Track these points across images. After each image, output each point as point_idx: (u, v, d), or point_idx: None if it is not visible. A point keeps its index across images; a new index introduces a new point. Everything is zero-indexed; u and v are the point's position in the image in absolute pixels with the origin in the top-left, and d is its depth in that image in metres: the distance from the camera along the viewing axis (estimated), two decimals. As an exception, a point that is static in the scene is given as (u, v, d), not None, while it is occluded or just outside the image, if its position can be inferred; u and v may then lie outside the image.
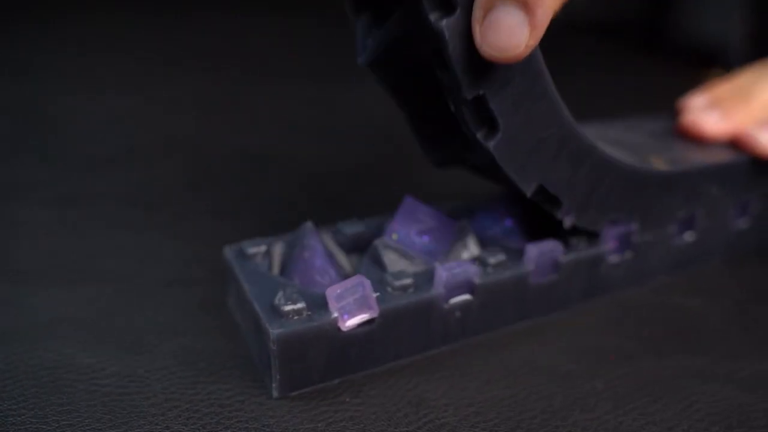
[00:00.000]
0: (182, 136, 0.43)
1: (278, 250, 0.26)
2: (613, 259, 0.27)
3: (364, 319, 0.22)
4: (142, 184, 0.36)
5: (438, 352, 0.25)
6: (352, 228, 0.26)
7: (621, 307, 0.28)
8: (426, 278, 0.24)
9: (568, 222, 0.25)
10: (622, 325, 0.27)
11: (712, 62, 0.75)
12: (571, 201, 0.24)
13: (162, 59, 0.59)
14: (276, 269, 0.25)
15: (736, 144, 0.30)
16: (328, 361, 0.22)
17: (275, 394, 0.22)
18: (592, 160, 0.24)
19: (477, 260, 0.25)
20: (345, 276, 0.25)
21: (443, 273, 0.23)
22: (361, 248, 0.26)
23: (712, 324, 0.27)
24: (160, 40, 0.65)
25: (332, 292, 0.22)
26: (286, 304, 0.21)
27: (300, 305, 0.21)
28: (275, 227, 0.28)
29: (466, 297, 0.24)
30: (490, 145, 0.21)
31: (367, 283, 0.22)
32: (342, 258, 0.26)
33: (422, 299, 0.23)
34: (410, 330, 0.23)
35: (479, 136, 0.21)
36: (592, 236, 0.27)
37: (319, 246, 0.25)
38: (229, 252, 0.25)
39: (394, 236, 0.25)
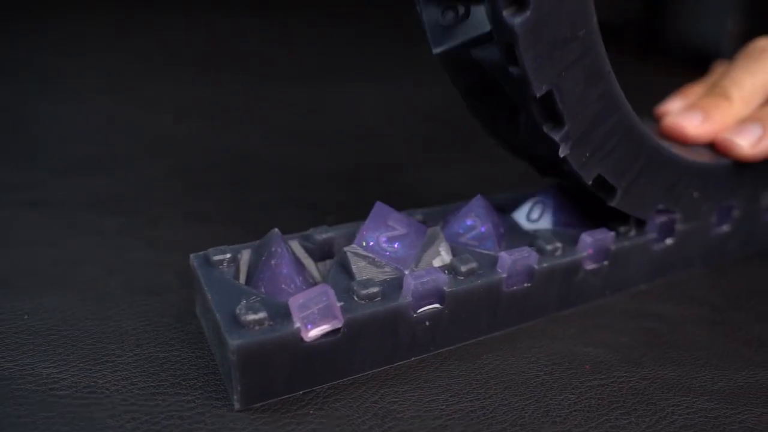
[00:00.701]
0: (165, 139, 0.43)
1: (246, 257, 0.25)
2: (590, 266, 0.27)
3: (329, 329, 0.22)
4: (119, 188, 0.36)
5: (407, 362, 0.24)
6: (322, 234, 0.26)
7: (598, 316, 0.27)
8: (394, 287, 0.23)
9: (614, 204, 0.26)
10: (598, 334, 0.26)
11: (708, 64, 0.75)
12: (626, 189, 0.25)
13: (146, 61, 0.59)
14: (243, 277, 0.25)
15: (715, 148, 0.29)
16: (291, 372, 0.22)
17: (237, 405, 0.21)
18: (647, 151, 0.26)
19: (448, 268, 0.24)
20: (313, 284, 0.25)
21: (411, 281, 0.23)
22: (333, 255, 0.26)
23: (690, 333, 0.27)
24: (144, 42, 0.65)
25: (295, 302, 0.21)
26: (247, 314, 0.21)
27: (261, 315, 0.21)
28: (253, 233, 0.27)
29: (435, 306, 0.24)
30: (557, 137, 0.23)
31: (331, 292, 0.21)
32: (311, 266, 0.26)
33: (389, 308, 0.23)
34: (377, 340, 0.23)
35: (546, 129, 0.23)
36: (570, 244, 0.27)
37: (286, 253, 0.24)
38: (194, 259, 0.25)
39: (364, 243, 0.25)
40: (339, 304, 0.22)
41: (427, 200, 0.31)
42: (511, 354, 0.25)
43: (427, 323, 0.24)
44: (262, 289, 0.24)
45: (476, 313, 0.25)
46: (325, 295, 0.21)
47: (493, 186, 0.33)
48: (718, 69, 0.35)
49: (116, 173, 0.38)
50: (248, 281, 0.25)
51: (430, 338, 0.24)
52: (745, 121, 0.30)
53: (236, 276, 0.25)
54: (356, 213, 0.29)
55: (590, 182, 0.25)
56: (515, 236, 0.27)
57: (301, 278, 0.24)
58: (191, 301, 0.26)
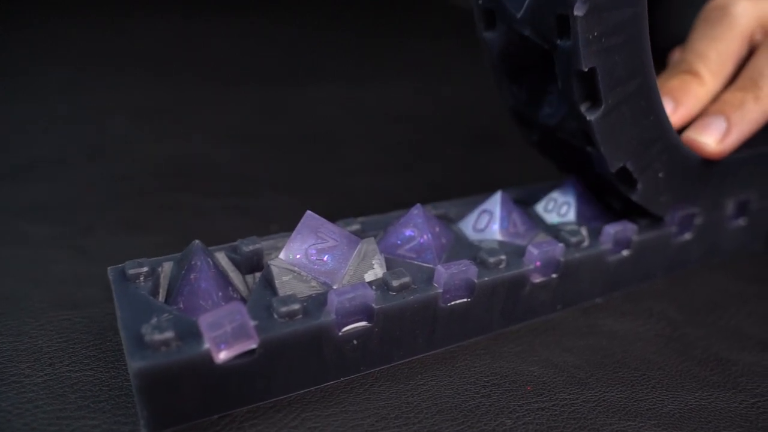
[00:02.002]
0: (110, 143, 0.41)
1: (167, 270, 0.24)
2: (538, 279, 0.26)
3: (243, 349, 0.20)
4: (54, 194, 0.35)
5: (334, 384, 0.23)
6: (250, 246, 0.25)
7: (546, 332, 0.26)
8: (318, 303, 0.22)
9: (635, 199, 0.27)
10: (544, 352, 0.25)
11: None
12: (648, 184, 0.26)
13: (104, 63, 0.58)
14: (163, 292, 0.23)
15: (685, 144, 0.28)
16: (203, 395, 0.20)
17: (144, 431, 0.20)
18: (674, 151, 0.27)
19: (379, 283, 0.23)
20: (239, 300, 0.23)
21: (335, 298, 0.21)
22: (263, 268, 0.25)
23: (642, 351, 0.25)
24: (105, 44, 0.63)
25: (205, 321, 0.20)
26: (153, 334, 0.20)
27: (168, 335, 0.20)
28: (189, 243, 0.26)
29: (363, 324, 0.22)
30: (592, 118, 0.23)
31: (244, 309, 0.20)
32: (238, 279, 0.24)
33: (311, 327, 0.21)
34: (299, 361, 0.22)
35: (583, 108, 0.23)
36: (517, 256, 0.25)
37: (206, 267, 0.23)
38: (111, 273, 0.23)
39: (290, 256, 0.23)
40: (253, 323, 0.20)
41: (377, 208, 0.30)
42: (449, 374, 0.23)
43: (355, 342, 0.22)
44: (181, 305, 0.22)
45: (411, 331, 0.23)
46: (238, 313, 0.20)
47: (448, 193, 0.32)
48: (677, 51, 0.33)
49: (53, 179, 0.36)
50: (168, 296, 0.23)
51: (359, 358, 0.23)
52: (707, 115, 0.28)
53: (156, 291, 0.23)
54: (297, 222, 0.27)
55: (614, 170, 0.25)
56: (459, 248, 0.26)
57: (221, 293, 0.23)
58: (115, 316, 0.25)
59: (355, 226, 0.26)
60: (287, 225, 0.27)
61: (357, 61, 0.64)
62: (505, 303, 0.25)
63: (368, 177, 0.39)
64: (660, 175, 0.26)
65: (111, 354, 0.24)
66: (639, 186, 0.26)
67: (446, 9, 0.92)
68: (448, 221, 0.28)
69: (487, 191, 0.29)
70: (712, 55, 0.29)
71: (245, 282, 0.25)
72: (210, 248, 0.25)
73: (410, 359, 0.24)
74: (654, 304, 0.28)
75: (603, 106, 0.23)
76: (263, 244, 0.25)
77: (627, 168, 0.25)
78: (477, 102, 0.54)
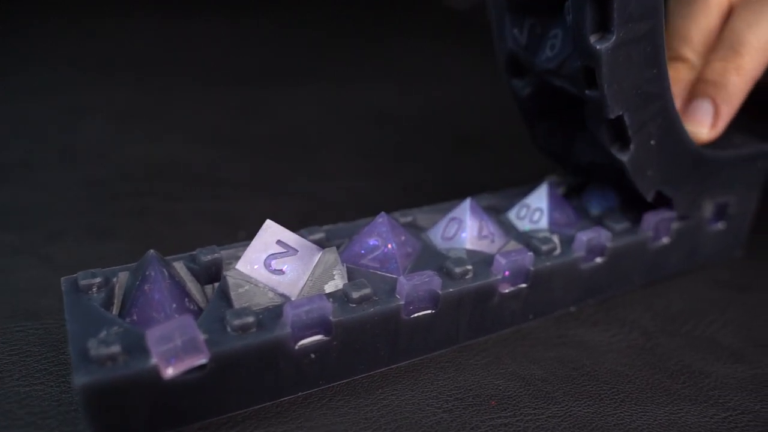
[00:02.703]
0: (83, 146, 0.41)
1: (122, 281, 0.23)
2: (507, 289, 0.25)
3: (193, 364, 0.20)
4: (21, 200, 0.34)
5: (291, 398, 0.22)
6: (209, 255, 0.24)
7: (515, 343, 0.25)
8: (274, 316, 0.21)
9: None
10: (511, 365, 0.24)
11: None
12: (639, 148, 0.26)
13: (84, 65, 0.57)
14: (117, 304, 0.23)
15: None
16: (152, 412, 0.20)
17: (90, 449, 0.19)
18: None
19: (338, 294, 0.22)
20: (196, 312, 0.23)
21: (290, 311, 0.21)
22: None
23: (613, 362, 0.25)
24: (85, 45, 0.62)
25: (153, 335, 0.19)
26: (99, 348, 0.19)
27: (114, 349, 0.19)
28: (157, 249, 0.25)
29: (321, 337, 0.22)
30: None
31: (193, 323, 0.19)
32: (197, 290, 0.24)
33: (265, 341, 0.21)
34: (253, 375, 0.21)
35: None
36: (485, 265, 0.25)
37: (160, 277, 0.22)
38: (64, 283, 0.23)
39: (248, 266, 0.23)
40: (204, 337, 0.20)
41: (351, 214, 0.29)
42: (411, 388, 0.23)
43: (313, 356, 0.22)
44: (134, 317, 0.22)
45: (372, 344, 0.23)
46: (187, 326, 0.20)
47: (425, 198, 0.31)
48: None
49: (21, 183, 0.36)
50: (122, 308, 0.23)
51: (317, 372, 0.22)
52: (693, 99, 0.28)
53: (110, 302, 0.23)
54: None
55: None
56: (426, 257, 0.25)
57: (175, 305, 0.22)
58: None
59: (320, 235, 0.26)
60: (257, 231, 0.26)
61: (342, 61, 0.63)
62: (472, 314, 0.25)
63: (344, 181, 0.38)
64: (652, 142, 0.26)
65: (64, 367, 0.23)
66: (631, 147, 0.25)
67: (438, 10, 0.91)
68: (418, 229, 0.28)
69: (464, 196, 0.28)
70: (694, 36, 0.28)
71: (204, 293, 0.24)
72: (168, 257, 0.24)
73: (372, 373, 0.24)
74: (628, 313, 0.28)
75: (614, 38, 0.22)
76: (223, 253, 0.24)
77: (624, 120, 0.24)
78: (460, 103, 0.53)
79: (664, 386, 0.24)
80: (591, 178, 0.31)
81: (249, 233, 0.25)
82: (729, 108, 0.28)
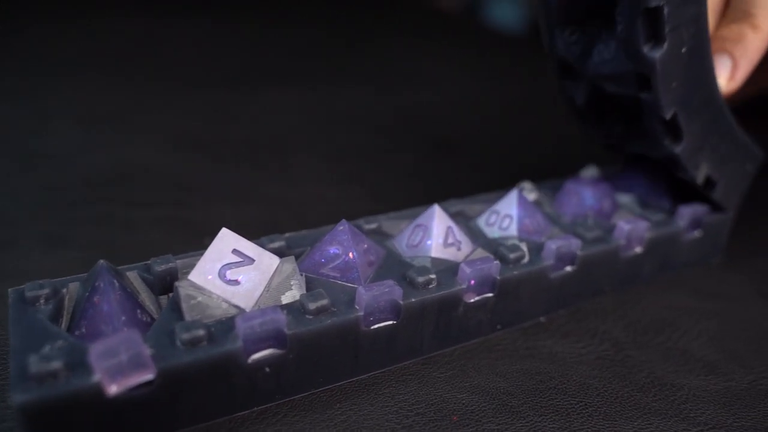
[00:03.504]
0: (47, 151, 0.40)
1: (72, 292, 0.22)
2: (473, 299, 0.24)
3: (138, 381, 0.19)
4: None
5: (245, 414, 0.21)
6: (162, 265, 0.23)
7: (482, 355, 0.25)
8: (226, 329, 0.21)
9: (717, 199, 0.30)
10: (476, 377, 0.24)
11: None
12: (690, 137, 0.28)
13: (51, 66, 0.56)
14: (67, 316, 0.22)
15: None
16: (96, 430, 0.19)
17: (31, 471, 0.19)
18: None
19: (294, 306, 0.22)
20: (150, 323, 0.22)
21: (241, 324, 0.20)
22: None
23: (582, 375, 0.24)
24: (53, 46, 0.62)
25: (95, 350, 0.19)
26: (39, 364, 0.18)
27: (55, 365, 0.18)
28: (115, 258, 0.25)
29: (276, 350, 0.21)
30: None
31: (138, 337, 0.19)
32: (151, 301, 0.23)
33: (215, 355, 0.20)
34: (205, 391, 0.20)
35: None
36: (451, 274, 0.25)
37: (109, 288, 0.21)
38: (11, 294, 0.22)
39: (202, 276, 0.22)
40: (150, 351, 0.19)
41: (319, 220, 0.29)
42: (370, 402, 0.22)
43: (268, 369, 0.21)
44: (83, 331, 0.21)
45: (331, 357, 0.22)
46: (131, 341, 0.19)
47: (396, 204, 0.30)
48: None
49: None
50: (72, 321, 0.22)
51: (273, 386, 0.22)
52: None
53: (58, 314, 0.22)
54: (239, 234, 0.26)
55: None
56: (389, 266, 0.25)
57: (125, 317, 0.21)
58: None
59: (280, 243, 0.25)
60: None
61: (322, 64, 0.62)
62: (436, 325, 0.24)
63: (314, 187, 0.38)
64: (702, 132, 0.28)
65: (5, 384, 0.22)
66: (684, 139, 0.27)
67: (423, 12, 0.91)
68: (383, 236, 0.27)
69: (436, 202, 0.28)
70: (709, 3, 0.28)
71: (159, 304, 0.23)
72: (121, 267, 0.24)
73: (331, 386, 0.23)
74: (600, 323, 0.27)
75: (666, 44, 0.24)
76: (178, 262, 0.24)
77: (677, 117, 0.26)
78: (440, 107, 0.53)
79: (633, 400, 0.23)
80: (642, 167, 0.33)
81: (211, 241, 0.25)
82: (746, 62, 0.28)
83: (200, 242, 0.31)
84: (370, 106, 0.52)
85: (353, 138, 0.46)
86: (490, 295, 0.25)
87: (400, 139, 0.46)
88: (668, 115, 0.26)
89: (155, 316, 0.23)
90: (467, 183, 0.39)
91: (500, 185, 0.32)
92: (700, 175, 0.29)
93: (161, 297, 0.24)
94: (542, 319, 0.27)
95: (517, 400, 0.23)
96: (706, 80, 0.27)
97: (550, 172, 0.34)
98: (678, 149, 0.27)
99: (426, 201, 0.29)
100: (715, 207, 0.32)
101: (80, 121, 0.44)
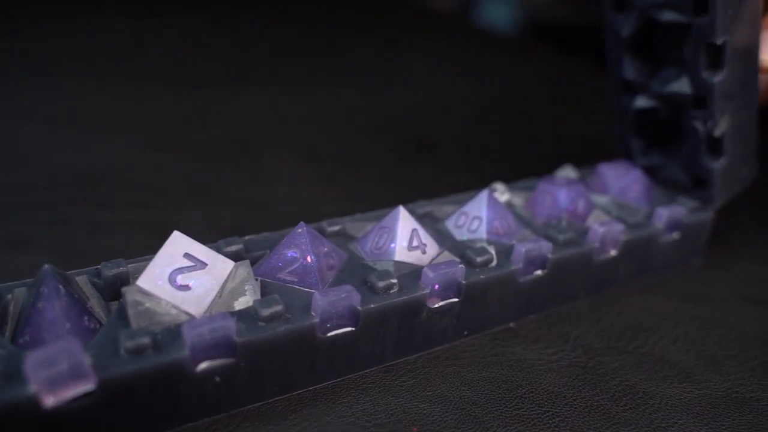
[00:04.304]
0: (14, 153, 0.39)
1: (17, 298, 0.22)
2: (437, 304, 0.24)
3: (78, 392, 0.18)
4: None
5: (194, 425, 0.21)
6: (113, 269, 0.22)
7: (447, 362, 0.24)
8: (174, 337, 0.20)
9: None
10: (440, 386, 0.23)
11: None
12: (725, 174, 0.30)
13: (28, 66, 0.55)
14: (12, 323, 0.21)
15: None
16: (34, 444, 0.18)
17: (-37, 487, 0.18)
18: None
19: (247, 312, 0.21)
20: (98, 331, 0.21)
21: (188, 332, 0.19)
22: None
23: (551, 382, 0.23)
24: (31, 45, 0.61)
25: (31, 360, 0.18)
26: (-29, 374, 0.17)
27: (-12, 375, 0.17)
28: (74, 263, 0.24)
29: (226, 359, 0.20)
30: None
31: (77, 346, 0.18)
32: (101, 307, 0.22)
33: (161, 364, 0.19)
34: (150, 402, 0.20)
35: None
36: (414, 279, 0.24)
37: (54, 294, 0.21)
38: (-45, 301, 0.21)
39: (151, 281, 0.21)
40: (90, 360, 0.18)
41: (290, 223, 0.28)
42: (327, 412, 0.21)
43: (218, 379, 0.20)
44: (27, 338, 0.20)
45: (286, 365, 0.21)
46: (71, 349, 0.18)
47: (369, 205, 0.29)
48: None
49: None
50: (16, 328, 0.21)
51: (224, 396, 0.21)
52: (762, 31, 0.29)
53: (3, 321, 0.21)
54: (207, 236, 0.25)
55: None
56: (350, 270, 0.24)
57: (70, 325, 0.21)
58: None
59: (237, 246, 0.24)
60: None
61: (302, 64, 0.61)
62: (399, 331, 0.23)
63: (288, 188, 0.37)
64: (737, 71, 0.28)
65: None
66: (724, 70, 0.27)
67: (419, 12, 0.90)
68: (348, 239, 0.26)
69: (411, 203, 0.27)
70: None
71: (110, 310, 0.23)
72: (71, 272, 0.23)
73: (287, 396, 0.22)
74: (573, 329, 0.27)
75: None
76: (130, 267, 0.23)
77: (725, 45, 0.27)
78: (420, 107, 0.52)
79: (603, 409, 0.23)
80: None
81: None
82: None
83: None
84: (351, 106, 0.51)
85: (331, 138, 0.45)
86: (456, 300, 0.24)
87: (379, 139, 0.45)
88: (720, 41, 0.26)
89: (104, 323, 0.22)
90: (446, 184, 0.38)
91: (480, 186, 0.31)
92: (721, 126, 0.29)
93: (113, 303, 0.23)
94: (512, 324, 0.27)
95: (481, 409, 0.22)
96: (755, 39, 0.28)
97: (531, 173, 0.33)
98: (717, 79, 0.27)
99: (402, 202, 0.29)
100: (702, 198, 0.31)
101: (52, 121, 0.44)
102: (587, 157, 0.36)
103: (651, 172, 0.33)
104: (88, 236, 0.31)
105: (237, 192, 0.36)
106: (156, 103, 0.49)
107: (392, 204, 0.29)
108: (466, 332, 0.25)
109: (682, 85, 0.29)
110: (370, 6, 0.87)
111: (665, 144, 0.33)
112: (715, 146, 0.29)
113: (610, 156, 0.34)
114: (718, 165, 0.29)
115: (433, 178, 0.40)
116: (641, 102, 0.32)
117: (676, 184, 0.32)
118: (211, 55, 0.61)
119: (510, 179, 0.32)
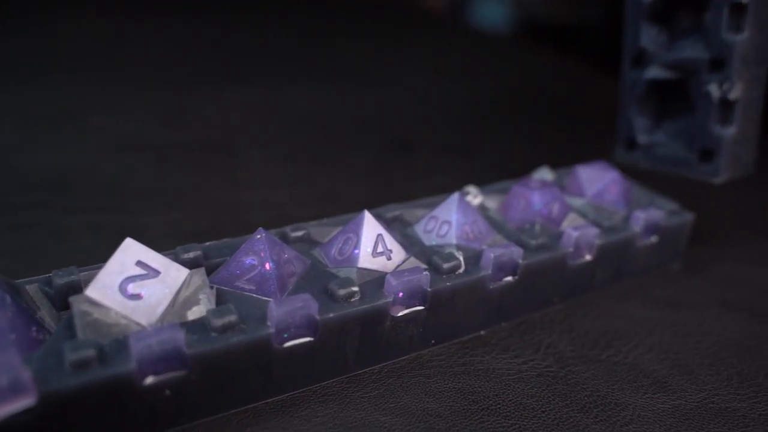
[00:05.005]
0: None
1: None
2: (401, 313, 0.23)
3: (17, 408, 0.17)
4: None
5: (145, 440, 0.20)
6: (65, 278, 0.22)
7: (412, 373, 0.24)
8: (119, 349, 0.19)
9: None
10: (403, 397, 0.22)
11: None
12: (744, 120, 0.31)
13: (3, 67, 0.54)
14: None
15: None
16: (-28, 461, 0.18)
17: None
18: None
19: (200, 322, 0.20)
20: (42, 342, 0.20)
21: (134, 344, 0.19)
22: None
23: (520, 393, 0.23)
24: (10, 45, 0.60)
25: (-33, 374, 0.17)
26: None
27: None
28: (33, 269, 0.24)
29: (177, 372, 0.19)
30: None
31: (16, 359, 0.17)
32: (52, 317, 0.22)
33: (106, 377, 0.18)
34: (95, 417, 0.19)
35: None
36: (378, 286, 0.23)
37: (-1, 304, 0.20)
38: None
39: (101, 290, 0.20)
40: (30, 374, 0.18)
41: (258, 225, 0.27)
42: (284, 426, 0.21)
43: (168, 392, 0.20)
44: (-28, 349, 0.19)
45: (241, 377, 0.21)
46: (9, 362, 0.17)
47: (342, 208, 0.29)
48: None
49: None
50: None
51: (175, 410, 0.20)
52: None
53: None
54: (171, 241, 0.25)
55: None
56: (313, 277, 0.23)
57: (16, 335, 0.20)
58: None
59: (196, 253, 0.24)
60: (159, 245, 0.24)
61: (286, 63, 0.61)
62: (361, 341, 0.23)
63: (261, 190, 0.36)
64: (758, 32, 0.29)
65: None
66: (745, 31, 0.28)
67: (409, 12, 0.89)
68: (312, 245, 0.25)
69: (386, 205, 0.26)
70: None
71: (60, 320, 0.22)
72: (20, 280, 0.22)
73: (244, 408, 0.21)
74: (545, 337, 0.26)
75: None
76: (82, 275, 0.22)
77: (748, 6, 0.28)
78: (401, 107, 0.51)
79: (573, 421, 0.22)
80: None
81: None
82: None
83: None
84: (333, 105, 0.50)
85: (309, 138, 0.44)
86: (421, 308, 0.23)
87: (358, 139, 0.44)
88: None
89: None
90: (423, 186, 0.37)
91: (460, 188, 0.30)
92: (736, 89, 0.29)
93: (64, 312, 0.22)
94: (483, 332, 0.26)
95: (445, 422, 0.21)
96: None
97: (513, 175, 0.33)
98: (738, 38, 0.28)
99: (376, 204, 0.28)
100: (707, 173, 0.31)
101: (22, 123, 0.43)
102: (573, 158, 0.35)
103: (652, 152, 0.34)
104: (49, 241, 0.30)
105: (208, 194, 0.36)
106: (131, 104, 0.48)
107: (366, 206, 0.28)
108: (433, 341, 0.25)
109: (698, 51, 0.30)
110: (360, 6, 0.86)
111: (671, 119, 0.34)
112: (727, 113, 0.30)
113: (595, 157, 0.34)
114: (727, 133, 0.30)
115: (410, 179, 0.39)
116: (653, 72, 0.32)
117: (679, 162, 0.32)
118: (191, 55, 0.60)
119: (490, 181, 0.31)
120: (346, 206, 0.30)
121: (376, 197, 0.32)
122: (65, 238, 0.31)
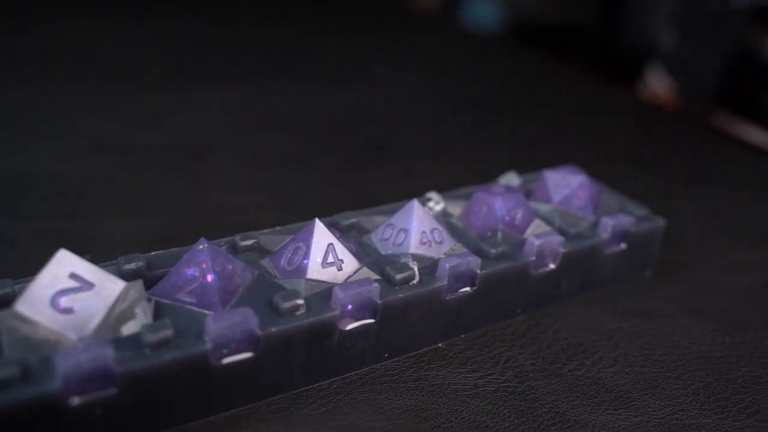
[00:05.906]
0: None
1: None
2: (350, 326, 0.22)
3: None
4: None
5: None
6: (5, 288, 0.21)
7: (361, 387, 0.23)
8: (45, 367, 0.18)
9: None
10: (351, 415, 0.22)
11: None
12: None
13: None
14: None
15: None
16: None
17: None
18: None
19: (134, 338, 0.19)
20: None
21: (61, 361, 0.18)
22: None
23: (475, 410, 0.22)
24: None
25: None
26: None
27: None
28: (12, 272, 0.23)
29: (107, 390, 0.19)
30: None
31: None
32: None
33: (31, 397, 0.18)
34: (19, 438, 0.18)
35: None
36: (327, 298, 0.22)
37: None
38: None
39: (32, 303, 0.20)
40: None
41: (221, 234, 0.26)
42: (224, 446, 0.20)
43: (99, 412, 0.19)
44: None
45: (177, 395, 0.20)
46: None
47: (308, 215, 0.28)
48: None
49: None
50: None
51: (107, 431, 0.19)
52: None
53: None
54: (126, 250, 0.24)
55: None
56: (258, 290, 0.22)
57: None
58: None
59: (138, 263, 0.23)
60: (114, 253, 0.23)
61: (266, 63, 0.60)
62: (308, 356, 0.22)
63: (227, 195, 0.35)
64: None
65: None
66: None
67: (398, 12, 0.88)
68: (263, 254, 0.25)
69: (352, 210, 0.26)
70: None
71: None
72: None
73: (181, 427, 0.21)
74: (505, 350, 0.25)
75: None
76: (17, 287, 0.21)
77: None
78: (377, 109, 0.50)
79: (527, 438, 0.21)
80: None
81: (95, 258, 0.23)
82: None
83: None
84: (310, 107, 0.50)
85: (281, 141, 0.43)
86: (372, 321, 0.23)
87: (330, 142, 0.43)
88: None
89: None
90: (395, 190, 0.36)
91: (426, 189, 0.29)
92: None
93: (-4, 327, 0.21)
94: (441, 345, 0.25)
95: (393, 440, 0.21)
96: None
97: (487, 179, 0.32)
98: None
99: (342, 209, 0.27)
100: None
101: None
102: (554, 160, 0.34)
103: None
104: (26, 247, 0.30)
105: (172, 200, 0.35)
106: (100, 106, 0.47)
107: (331, 213, 0.27)
108: (386, 355, 0.24)
109: None
110: (349, 7, 0.85)
111: None
112: None
113: (573, 159, 0.33)
114: None
115: (382, 183, 0.38)
116: None
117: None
118: (164, 56, 0.59)
119: (466, 184, 0.31)
120: (310, 213, 0.29)
121: (343, 203, 0.31)
122: (15, 247, 0.30)
